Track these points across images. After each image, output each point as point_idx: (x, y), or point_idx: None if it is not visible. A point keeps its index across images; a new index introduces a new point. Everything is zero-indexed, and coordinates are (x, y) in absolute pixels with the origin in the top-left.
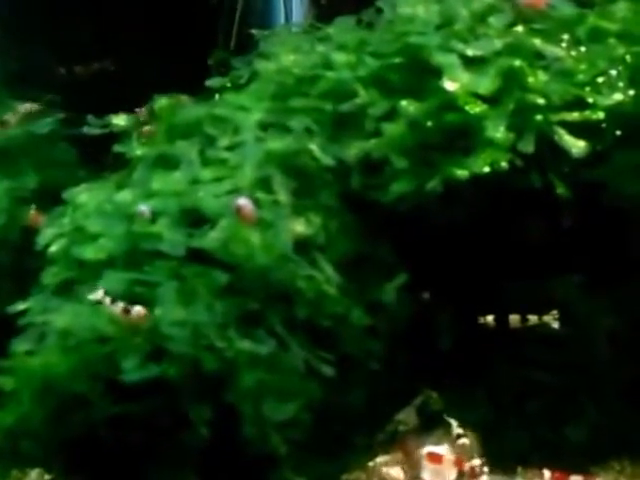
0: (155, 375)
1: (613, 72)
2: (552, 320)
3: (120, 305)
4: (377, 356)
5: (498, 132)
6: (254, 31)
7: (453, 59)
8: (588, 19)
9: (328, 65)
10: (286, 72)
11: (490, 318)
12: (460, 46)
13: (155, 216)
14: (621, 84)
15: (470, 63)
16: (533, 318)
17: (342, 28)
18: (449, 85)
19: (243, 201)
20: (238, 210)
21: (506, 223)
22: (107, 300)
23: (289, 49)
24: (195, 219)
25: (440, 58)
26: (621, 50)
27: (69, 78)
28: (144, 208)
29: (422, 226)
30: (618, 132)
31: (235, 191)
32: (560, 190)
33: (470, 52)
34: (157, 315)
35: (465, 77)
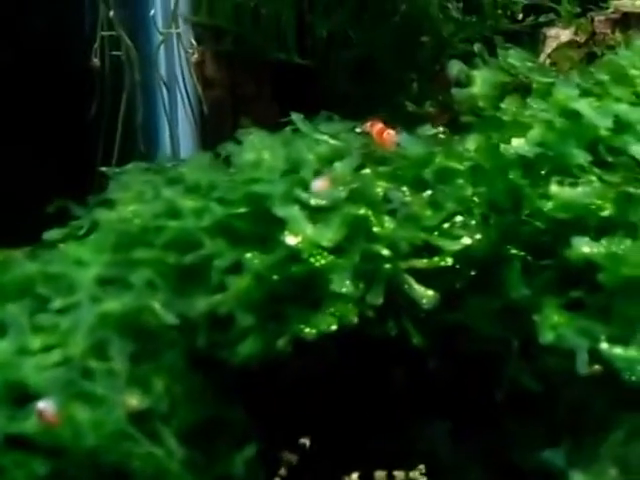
0: None
1: (461, 215)
2: (420, 476)
3: None
4: None
5: (344, 286)
6: (104, 169)
7: (295, 211)
8: (436, 159)
9: (174, 212)
10: (128, 221)
11: (355, 476)
12: (304, 195)
13: None
14: (473, 222)
15: (315, 212)
16: (400, 474)
17: (195, 167)
18: (290, 239)
19: (43, 405)
20: (39, 415)
21: (364, 373)
22: None
23: (132, 196)
24: (20, 396)
25: (282, 210)
26: (469, 191)
27: None
28: None
29: (275, 382)
30: (472, 272)
31: (65, 362)
32: (416, 340)
33: (313, 202)
34: None
35: (309, 228)
